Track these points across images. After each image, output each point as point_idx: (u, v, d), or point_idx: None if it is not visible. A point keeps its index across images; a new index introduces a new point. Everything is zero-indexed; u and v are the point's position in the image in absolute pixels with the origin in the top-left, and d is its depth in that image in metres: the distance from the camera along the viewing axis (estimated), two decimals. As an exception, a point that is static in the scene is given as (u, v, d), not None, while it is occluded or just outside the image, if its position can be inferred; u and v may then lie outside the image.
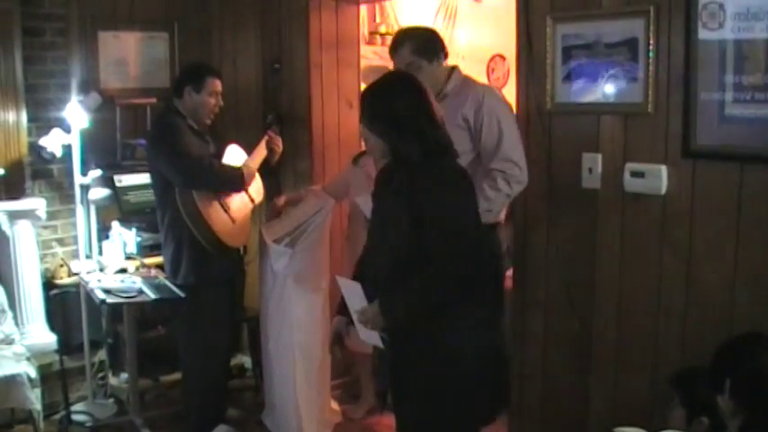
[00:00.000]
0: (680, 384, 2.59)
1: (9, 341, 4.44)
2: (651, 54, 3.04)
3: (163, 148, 4.19)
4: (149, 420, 4.58)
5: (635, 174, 3.16)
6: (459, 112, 3.53)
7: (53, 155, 4.81)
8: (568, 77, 3.37)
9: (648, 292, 3.18)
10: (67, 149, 4.75)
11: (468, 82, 3.74)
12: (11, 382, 4.08)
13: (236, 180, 4.30)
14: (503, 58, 6.52)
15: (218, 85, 4.33)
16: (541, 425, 3.71)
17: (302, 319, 4.34)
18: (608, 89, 3.23)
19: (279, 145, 4.57)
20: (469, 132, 3.53)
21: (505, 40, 4.79)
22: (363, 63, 5.36)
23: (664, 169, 3.06)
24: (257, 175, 4.45)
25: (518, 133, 3.54)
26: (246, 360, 5.48)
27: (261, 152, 4.49)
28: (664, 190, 3.07)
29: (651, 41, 3.03)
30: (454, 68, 3.73)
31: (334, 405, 4.66)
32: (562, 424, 3.60)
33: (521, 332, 3.73)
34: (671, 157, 3.04)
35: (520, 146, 3.52)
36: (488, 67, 6.65)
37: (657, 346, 3.17)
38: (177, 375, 4.91)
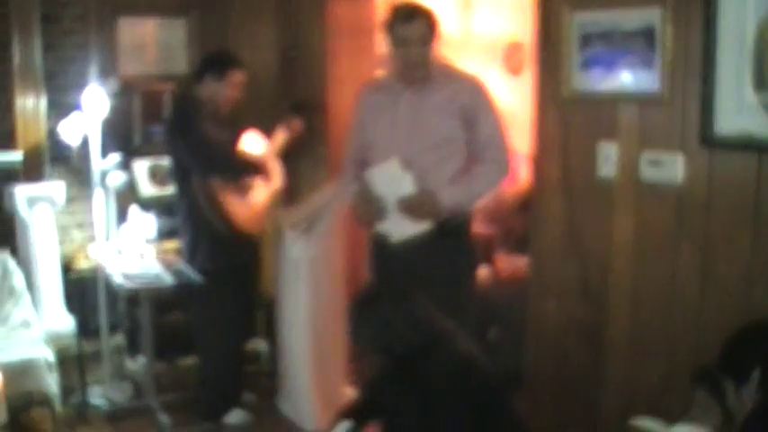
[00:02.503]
0: (702, 379, 2.55)
1: (27, 325, 4.47)
2: (668, 42, 3.02)
3: (181, 136, 4.21)
4: (165, 404, 4.61)
5: (651, 163, 3.15)
6: (455, 101, 3.53)
7: (71, 140, 4.84)
8: (585, 65, 3.36)
9: (663, 282, 3.17)
10: (86, 135, 4.78)
11: (450, 68, 3.75)
12: (28, 365, 4.11)
13: (255, 167, 4.31)
14: (519, 45, 6.47)
15: (240, 77, 4.33)
16: (554, 410, 3.71)
17: (317, 305, 4.35)
18: (625, 77, 3.22)
19: (298, 130, 4.58)
20: (463, 121, 3.54)
21: (522, 27, 4.77)
22: (379, 51, 5.34)
23: (680, 158, 3.05)
24: (276, 161, 4.47)
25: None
26: (262, 345, 5.50)
27: (279, 140, 4.50)
28: (680, 179, 3.06)
29: (668, 29, 3.01)
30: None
31: (349, 390, 4.68)
32: (575, 410, 3.60)
33: (535, 318, 3.74)
34: (688, 146, 3.03)
35: (506, 135, 3.59)
36: (504, 54, 6.60)
37: (672, 336, 3.17)
38: (193, 360, 4.95)
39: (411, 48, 3.48)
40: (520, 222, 4.84)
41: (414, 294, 2.86)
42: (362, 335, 2.90)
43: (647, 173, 3.16)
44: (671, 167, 3.07)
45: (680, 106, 3.03)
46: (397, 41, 3.53)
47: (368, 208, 3.59)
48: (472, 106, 3.53)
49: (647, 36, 3.09)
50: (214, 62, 4.37)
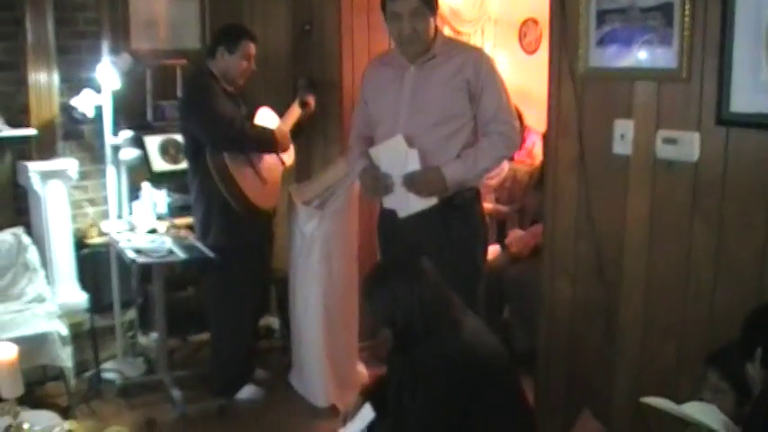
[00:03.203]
0: (714, 361, 2.53)
1: (41, 300, 4.51)
2: (686, 19, 2.99)
3: (195, 110, 4.21)
4: (178, 379, 4.64)
5: (667, 141, 3.12)
6: (460, 74, 3.49)
7: (84, 115, 4.84)
8: (602, 42, 3.32)
9: (677, 261, 3.15)
10: (98, 110, 4.78)
11: (454, 42, 3.75)
12: (42, 339, 4.15)
13: (269, 142, 4.31)
14: (535, 22, 6.41)
15: (252, 48, 4.33)
16: (567, 387, 3.71)
17: (330, 281, 4.36)
18: (642, 54, 3.18)
19: (312, 104, 4.57)
20: (468, 94, 3.50)
21: (539, 3, 4.74)
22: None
23: (696, 136, 3.02)
24: (289, 138, 4.46)
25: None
26: (274, 321, 5.52)
27: (293, 115, 4.49)
28: (696, 157, 3.03)
29: (687, 6, 2.98)
30: (437, 28, 3.62)
31: (361, 367, 4.69)
32: (587, 389, 3.60)
33: (549, 298, 3.73)
34: (704, 125, 3.00)
35: (511, 107, 3.56)
36: (520, 31, 6.54)
37: (685, 316, 3.16)
38: (206, 335, 4.97)
39: (404, 22, 3.44)
40: (534, 200, 4.82)
41: (424, 271, 2.85)
42: (371, 307, 2.91)
43: (663, 151, 3.14)
44: (687, 146, 3.04)
45: (697, 84, 3.00)
46: (390, 16, 3.50)
47: (374, 183, 3.59)
48: (477, 79, 3.49)
49: (666, 12, 3.05)
50: (226, 35, 4.36)
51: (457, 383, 2.75)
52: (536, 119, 4.90)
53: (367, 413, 2.92)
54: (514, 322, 4.84)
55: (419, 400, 2.80)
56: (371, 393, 3.16)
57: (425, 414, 2.79)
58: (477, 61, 3.53)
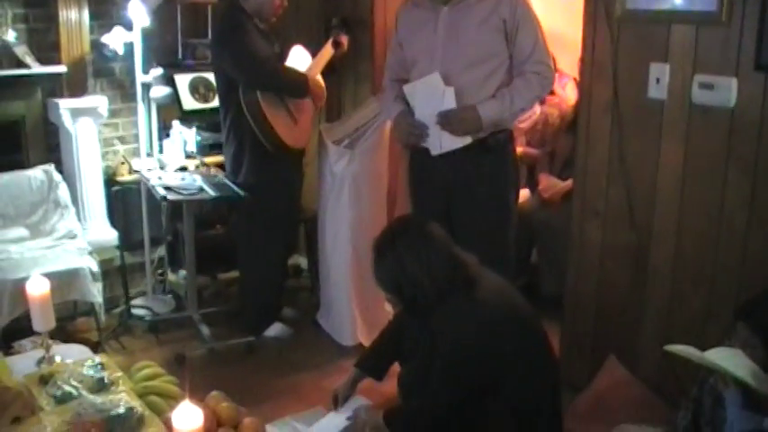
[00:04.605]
0: (746, 315, 2.49)
1: (72, 236, 4.55)
2: (728, -40, 2.91)
3: (228, 47, 4.18)
4: (207, 316, 4.69)
5: (704, 86, 3.07)
6: (495, 14, 3.43)
7: (115, 53, 4.82)
8: (639, -17, 3.25)
9: (710, 208, 3.12)
10: (129, 48, 4.76)
11: None
12: (74, 275, 4.19)
13: (301, 86, 4.28)
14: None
15: None
16: (593, 332, 3.72)
17: (359, 221, 4.36)
18: (680, -4, 3.12)
19: (345, 44, 4.53)
20: (505, 34, 3.44)
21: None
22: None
23: (734, 82, 2.97)
24: (320, 77, 4.43)
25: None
26: (303, 261, 5.55)
27: (326, 55, 4.46)
28: (733, 103, 2.99)
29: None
30: None
31: (388, 307, 4.71)
32: (615, 335, 3.60)
33: (578, 241, 3.71)
34: (742, 70, 2.94)
35: (547, 48, 3.50)
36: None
37: (716, 263, 3.14)
38: (235, 274, 5.01)
39: None
40: (565, 144, 4.78)
41: (433, 237, 2.79)
42: (376, 274, 2.87)
43: (699, 96, 3.09)
44: (724, 91, 2.99)
45: (736, 28, 2.94)
46: None
47: (409, 130, 3.56)
48: (513, 18, 3.43)
49: (707, -47, 2.98)
50: None
51: (474, 354, 2.73)
52: (568, 63, 4.83)
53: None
54: (543, 265, 4.83)
55: (438, 367, 2.80)
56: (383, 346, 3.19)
57: (444, 382, 2.80)
58: (513, 1, 3.47)
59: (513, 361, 2.76)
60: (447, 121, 3.42)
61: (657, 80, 3.23)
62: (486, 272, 2.87)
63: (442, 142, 3.49)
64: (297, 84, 4.28)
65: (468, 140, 3.45)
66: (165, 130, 5.16)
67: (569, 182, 4.66)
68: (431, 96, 3.45)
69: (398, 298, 2.85)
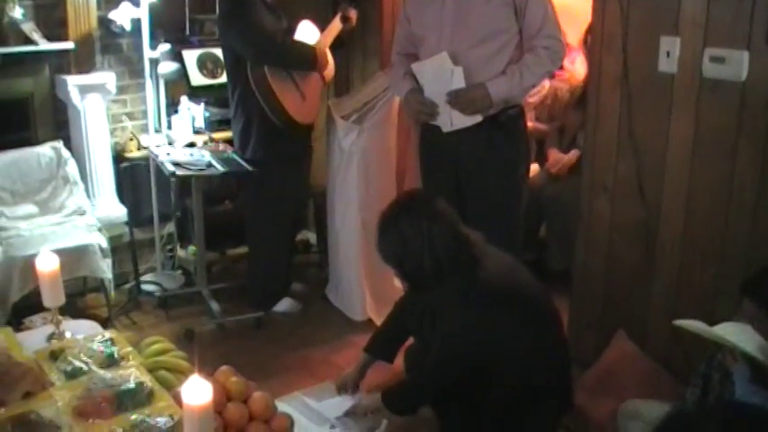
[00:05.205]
0: (752, 290, 2.47)
1: (81, 212, 4.56)
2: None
3: (235, 22, 4.16)
4: (216, 292, 4.71)
5: (715, 59, 3.04)
6: None
7: (122, 29, 4.81)
8: (649, -46, 3.22)
9: (720, 183, 3.10)
10: (136, 24, 4.75)
11: None
12: (83, 251, 4.21)
13: (309, 59, 4.26)
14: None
15: None
16: (602, 307, 3.71)
17: (368, 196, 4.37)
18: (691, -32, 3.09)
19: (354, 19, 4.50)
20: (514, 9, 3.40)
21: None
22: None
23: (745, 55, 2.94)
24: (328, 52, 4.41)
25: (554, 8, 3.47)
26: (312, 236, 5.56)
27: (334, 30, 4.43)
28: (744, 77, 2.96)
29: None
30: None
31: (397, 282, 4.71)
32: (623, 308, 3.60)
33: (587, 216, 3.70)
34: (754, 43, 2.91)
35: (557, 22, 3.45)
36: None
37: (726, 238, 3.12)
38: (244, 249, 5.02)
39: None
40: (574, 118, 4.76)
41: (437, 213, 2.77)
42: (379, 247, 2.86)
43: (710, 70, 3.06)
44: (735, 65, 2.97)
45: (749, 1, 2.90)
46: None
47: (420, 108, 3.54)
48: None
49: (718, -76, 2.95)
50: None
51: (473, 333, 2.73)
52: (575, 35, 4.79)
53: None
54: (551, 240, 4.83)
55: (437, 345, 2.81)
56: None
57: (442, 361, 2.82)
58: None
59: (516, 339, 2.76)
60: (456, 100, 3.40)
61: (668, 53, 3.20)
62: (491, 250, 2.86)
63: (452, 120, 3.46)
64: (304, 56, 4.26)
65: (478, 119, 3.43)
66: (173, 106, 5.16)
67: (573, 153, 4.66)
68: (440, 76, 3.43)
69: (399, 272, 2.85)
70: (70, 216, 4.52)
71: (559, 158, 4.82)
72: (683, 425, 1.51)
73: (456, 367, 2.80)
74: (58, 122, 4.86)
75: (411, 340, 3.20)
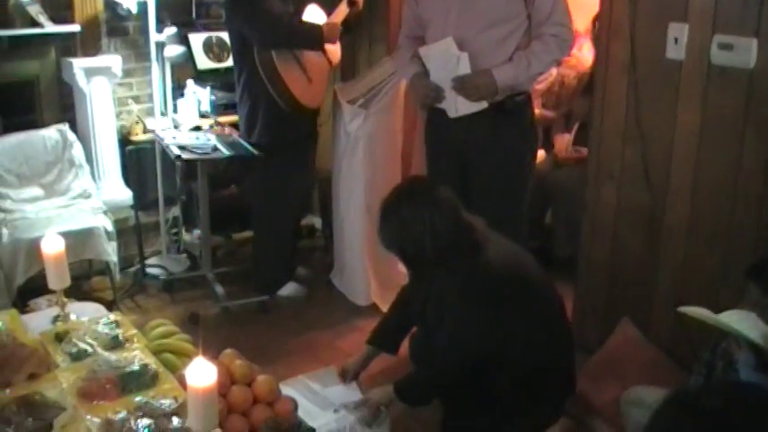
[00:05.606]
0: (757, 275, 2.47)
1: (86, 195, 4.56)
2: None
3: (241, 7, 4.15)
4: (220, 276, 4.71)
5: (723, 46, 3.02)
6: None
7: (129, 12, 4.80)
8: (658, -60, 3.20)
9: (726, 170, 3.09)
10: (143, 6, 4.74)
11: None
12: (88, 234, 4.22)
13: (317, 36, 4.23)
14: None
15: None
16: (607, 294, 3.71)
17: (373, 180, 4.36)
18: (700, -46, 3.07)
19: (360, 2, 4.48)
20: None
21: None
22: None
23: (754, 42, 2.92)
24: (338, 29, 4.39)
25: None
26: (317, 221, 5.56)
27: (341, 14, 4.41)
28: (752, 64, 2.94)
29: None
30: None
31: (401, 267, 4.71)
32: (627, 294, 3.60)
33: (593, 203, 3.70)
34: (763, 30, 2.90)
35: (567, 9, 3.42)
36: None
37: (731, 226, 3.12)
38: (249, 233, 5.01)
39: None
40: (581, 105, 4.74)
41: (439, 200, 2.77)
42: (380, 232, 2.86)
43: (718, 57, 3.05)
44: (743, 52, 2.95)
45: (758, -12, 2.89)
46: None
47: (426, 92, 3.52)
48: None
49: None
50: None
51: (477, 320, 2.74)
52: (584, 24, 4.77)
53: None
54: (557, 227, 4.82)
55: (443, 334, 2.82)
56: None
57: (449, 349, 2.81)
58: None
59: (519, 326, 2.76)
60: (462, 86, 3.38)
61: (676, 40, 3.19)
62: (494, 236, 2.86)
63: (457, 106, 3.45)
64: (312, 35, 4.22)
65: (484, 105, 3.41)
66: (179, 90, 5.14)
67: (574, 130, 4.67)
68: (445, 61, 3.41)
69: (401, 257, 2.86)
70: (76, 199, 4.53)
71: (569, 147, 4.82)
72: (685, 403, 1.50)
73: (467, 356, 2.80)
74: (64, 105, 4.85)
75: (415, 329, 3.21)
